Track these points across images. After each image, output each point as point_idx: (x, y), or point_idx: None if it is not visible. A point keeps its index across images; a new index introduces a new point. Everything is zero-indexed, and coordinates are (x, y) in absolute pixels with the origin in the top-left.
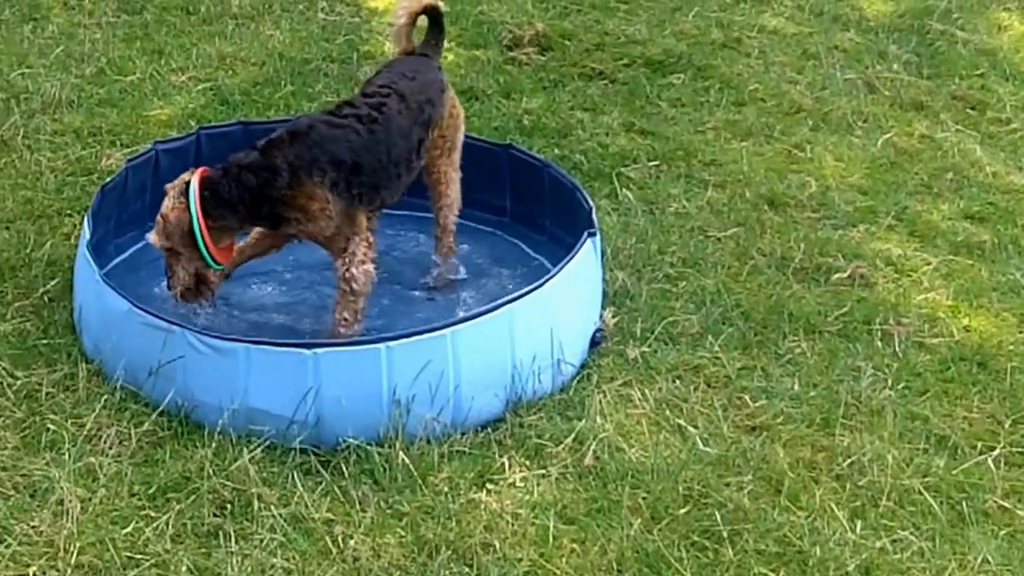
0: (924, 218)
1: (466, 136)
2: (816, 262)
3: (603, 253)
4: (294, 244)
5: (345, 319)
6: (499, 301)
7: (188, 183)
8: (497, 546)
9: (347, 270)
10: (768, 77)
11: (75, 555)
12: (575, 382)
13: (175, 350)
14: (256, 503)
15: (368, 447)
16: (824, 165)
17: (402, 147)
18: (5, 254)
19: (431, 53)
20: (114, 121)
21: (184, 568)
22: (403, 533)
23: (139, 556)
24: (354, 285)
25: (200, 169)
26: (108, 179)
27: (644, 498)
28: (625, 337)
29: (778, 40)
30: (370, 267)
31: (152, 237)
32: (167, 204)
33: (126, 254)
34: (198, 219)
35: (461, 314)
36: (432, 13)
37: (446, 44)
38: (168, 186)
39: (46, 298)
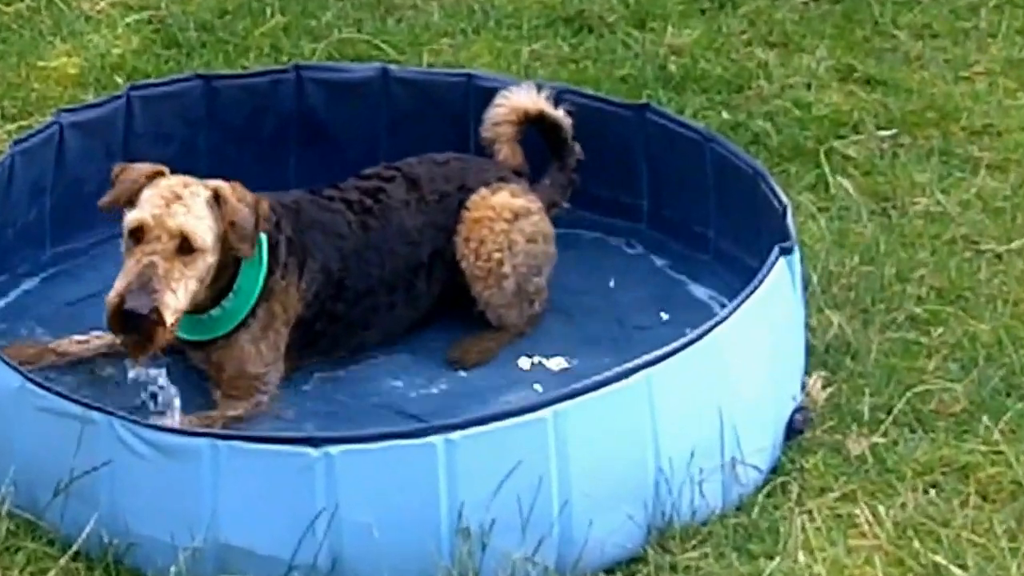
0: None
1: (576, 93)
2: None
3: (805, 282)
4: None
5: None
6: (631, 364)
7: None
8: None
9: (232, 409)
10: None
11: None
12: (761, 495)
13: (98, 451)
14: None
15: None
16: None
17: (402, 258)
18: None
19: (553, 193)
20: None
21: None
22: None
23: None
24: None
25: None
26: None
27: None
28: (844, 420)
29: None
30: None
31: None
32: None
33: (12, 295)
34: None
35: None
36: (544, 123)
37: None
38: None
39: None
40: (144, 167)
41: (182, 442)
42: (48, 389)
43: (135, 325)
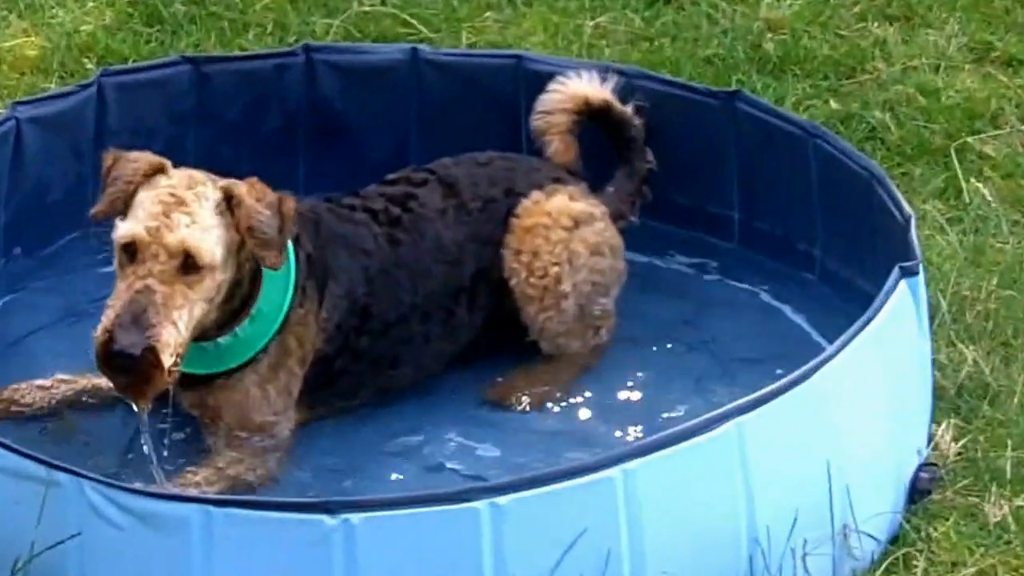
0: None
1: (650, 78)
2: None
3: (932, 309)
4: None
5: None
6: (718, 411)
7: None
8: None
9: (231, 467)
10: None
11: None
12: (879, 571)
13: (65, 520)
14: None
15: None
16: None
17: (438, 278)
18: None
19: (619, 204)
20: None
21: None
22: None
23: None
24: (244, 478)
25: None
26: None
27: None
28: (980, 479)
29: None
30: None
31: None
32: None
33: None
34: None
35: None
36: (609, 118)
37: None
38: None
39: None
40: (141, 160)
41: (167, 509)
42: (3, 446)
43: (128, 367)
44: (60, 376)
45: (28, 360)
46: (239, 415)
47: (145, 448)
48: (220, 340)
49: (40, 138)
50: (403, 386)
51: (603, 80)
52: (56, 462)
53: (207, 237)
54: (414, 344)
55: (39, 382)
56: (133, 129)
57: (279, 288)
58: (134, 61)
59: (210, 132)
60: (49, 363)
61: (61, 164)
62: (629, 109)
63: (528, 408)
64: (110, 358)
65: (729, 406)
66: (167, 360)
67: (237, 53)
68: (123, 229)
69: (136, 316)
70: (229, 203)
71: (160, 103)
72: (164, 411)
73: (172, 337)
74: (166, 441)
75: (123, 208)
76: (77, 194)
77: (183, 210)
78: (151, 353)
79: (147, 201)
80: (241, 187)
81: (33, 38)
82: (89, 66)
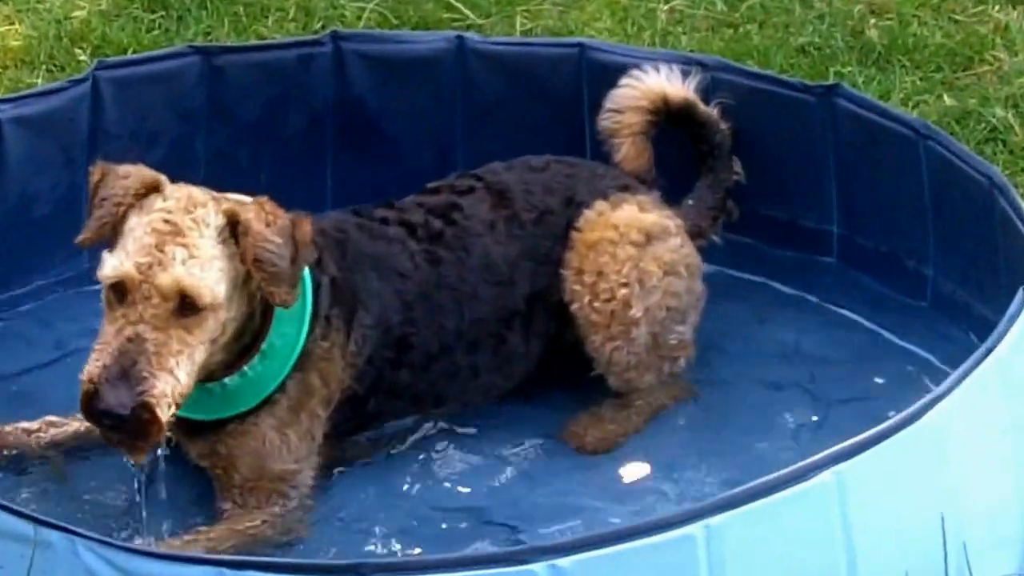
0: None
1: (735, 70)
2: None
3: None
4: None
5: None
6: (813, 457)
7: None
8: None
9: (247, 523)
10: None
11: None
12: None
13: None
14: None
15: None
16: None
17: (488, 303)
18: None
19: (699, 219)
20: None
21: None
22: None
23: None
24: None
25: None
26: None
27: None
28: None
29: None
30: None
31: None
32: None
33: None
34: None
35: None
36: (690, 119)
37: None
38: None
39: None
40: (132, 177)
41: (174, 571)
42: None
43: (117, 425)
44: (49, 418)
45: (12, 399)
46: (255, 464)
47: (138, 498)
48: (227, 381)
49: (25, 142)
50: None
51: (684, 75)
52: (45, 518)
53: (207, 274)
54: (460, 379)
55: (25, 425)
56: (133, 132)
57: (293, 319)
58: (134, 52)
59: (223, 135)
60: (37, 403)
61: (50, 173)
62: (714, 110)
63: (594, 454)
64: (97, 416)
65: (826, 452)
66: (164, 414)
67: (254, 42)
68: (110, 265)
69: (125, 369)
70: (234, 229)
71: (165, 101)
72: (164, 454)
73: (169, 387)
74: (166, 494)
75: (112, 233)
76: (69, 208)
77: (179, 241)
78: (144, 410)
79: (138, 229)
80: (248, 210)
81: (17, 26)
82: (82, 58)
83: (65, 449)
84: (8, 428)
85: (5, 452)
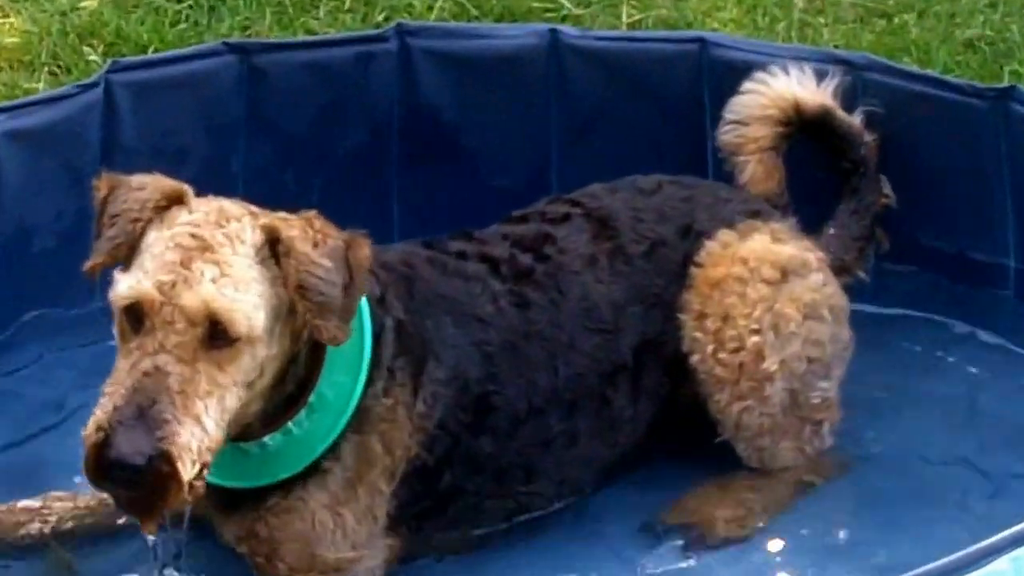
0: None
1: (888, 70)
2: None
3: None
4: None
5: None
6: (986, 542)
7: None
8: None
9: None
10: None
11: None
12: None
13: None
14: None
15: None
16: None
17: (587, 354)
18: None
19: (841, 251)
20: None
21: None
22: None
23: None
24: None
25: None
26: None
27: None
28: None
29: None
30: None
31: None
32: None
33: None
34: None
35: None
36: (830, 131)
37: None
38: None
39: None
40: (150, 187)
41: None
42: None
43: (131, 479)
44: (54, 494)
45: (13, 470)
46: (303, 550)
47: None
48: (267, 440)
49: (23, 161)
50: (542, 509)
51: (821, 77)
52: None
53: (243, 297)
54: (555, 448)
55: (25, 503)
56: (155, 148)
57: (349, 367)
58: (156, 50)
59: (265, 150)
60: (40, 476)
61: (53, 197)
62: (857, 118)
63: (721, 540)
64: (106, 468)
65: (1001, 535)
66: (187, 471)
67: (302, 38)
68: (124, 285)
69: (143, 409)
70: (274, 248)
71: (194, 109)
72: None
73: (194, 438)
74: None
75: (128, 255)
76: (76, 238)
77: (209, 258)
78: (164, 461)
79: (159, 245)
80: (292, 227)
81: (12, 18)
82: (92, 57)
83: (73, 530)
84: (4, 508)
85: (4, 535)
